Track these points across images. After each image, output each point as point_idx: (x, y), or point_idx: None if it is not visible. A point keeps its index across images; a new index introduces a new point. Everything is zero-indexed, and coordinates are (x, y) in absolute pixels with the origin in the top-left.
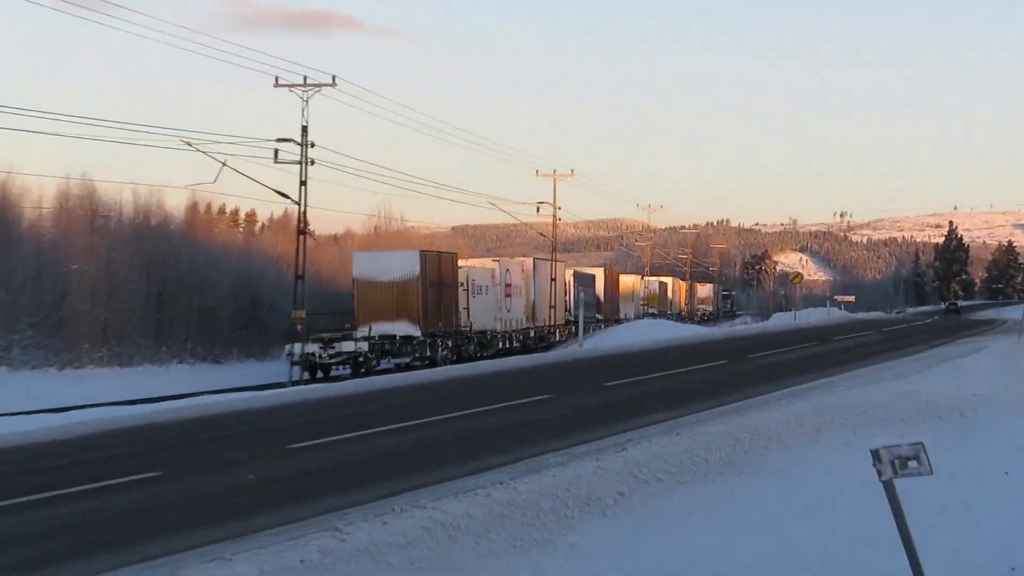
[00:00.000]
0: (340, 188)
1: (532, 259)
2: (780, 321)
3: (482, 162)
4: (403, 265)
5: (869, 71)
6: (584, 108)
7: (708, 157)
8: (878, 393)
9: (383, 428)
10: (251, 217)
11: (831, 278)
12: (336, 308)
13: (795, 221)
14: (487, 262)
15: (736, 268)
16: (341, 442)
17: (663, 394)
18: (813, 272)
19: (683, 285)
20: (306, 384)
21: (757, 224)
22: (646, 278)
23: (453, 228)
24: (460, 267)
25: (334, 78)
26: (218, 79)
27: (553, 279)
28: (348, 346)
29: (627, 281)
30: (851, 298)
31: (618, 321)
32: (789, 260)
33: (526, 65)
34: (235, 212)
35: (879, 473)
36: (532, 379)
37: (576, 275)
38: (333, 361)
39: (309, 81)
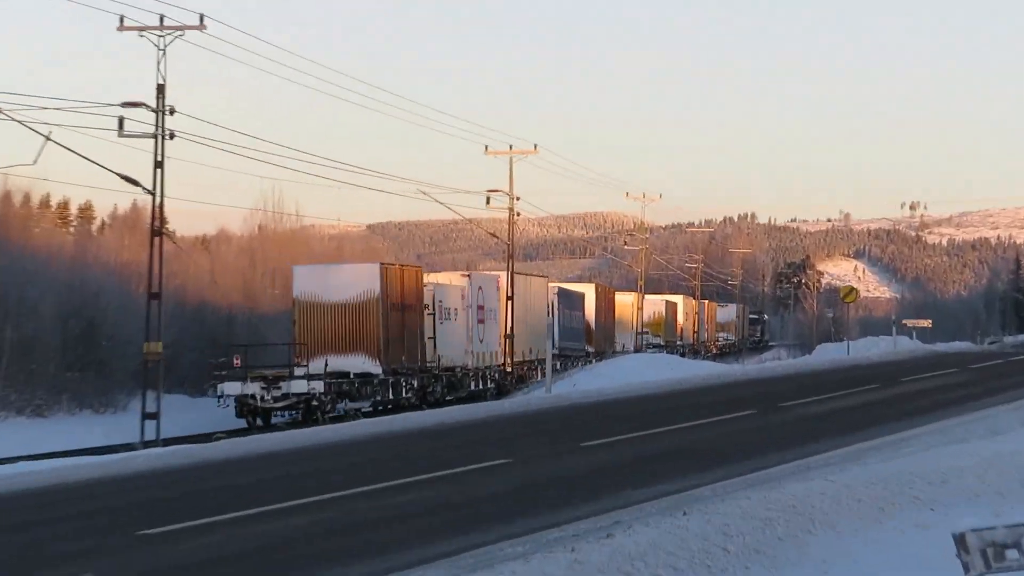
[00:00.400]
0: (211, 172)
1: (509, 273)
2: (827, 356)
3: (412, 137)
4: (359, 282)
5: (950, 15)
6: (553, 64)
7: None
8: (965, 455)
9: (275, 506)
10: (86, 212)
11: (898, 295)
12: (216, 338)
13: (847, 216)
14: (455, 277)
15: (766, 281)
16: (210, 528)
17: (665, 457)
18: (873, 286)
19: (695, 306)
20: (183, 444)
21: (794, 220)
22: (649, 297)
23: (369, 227)
24: (425, 284)
25: (202, 18)
26: (40, 20)
27: (508, 299)
28: (299, 386)
29: (625, 302)
30: (926, 323)
31: (614, 354)
32: (839, 270)
33: (472, 5)
34: (64, 205)
35: (966, 568)
36: (486, 436)
37: (560, 294)
38: (279, 406)
39: (168, 22)
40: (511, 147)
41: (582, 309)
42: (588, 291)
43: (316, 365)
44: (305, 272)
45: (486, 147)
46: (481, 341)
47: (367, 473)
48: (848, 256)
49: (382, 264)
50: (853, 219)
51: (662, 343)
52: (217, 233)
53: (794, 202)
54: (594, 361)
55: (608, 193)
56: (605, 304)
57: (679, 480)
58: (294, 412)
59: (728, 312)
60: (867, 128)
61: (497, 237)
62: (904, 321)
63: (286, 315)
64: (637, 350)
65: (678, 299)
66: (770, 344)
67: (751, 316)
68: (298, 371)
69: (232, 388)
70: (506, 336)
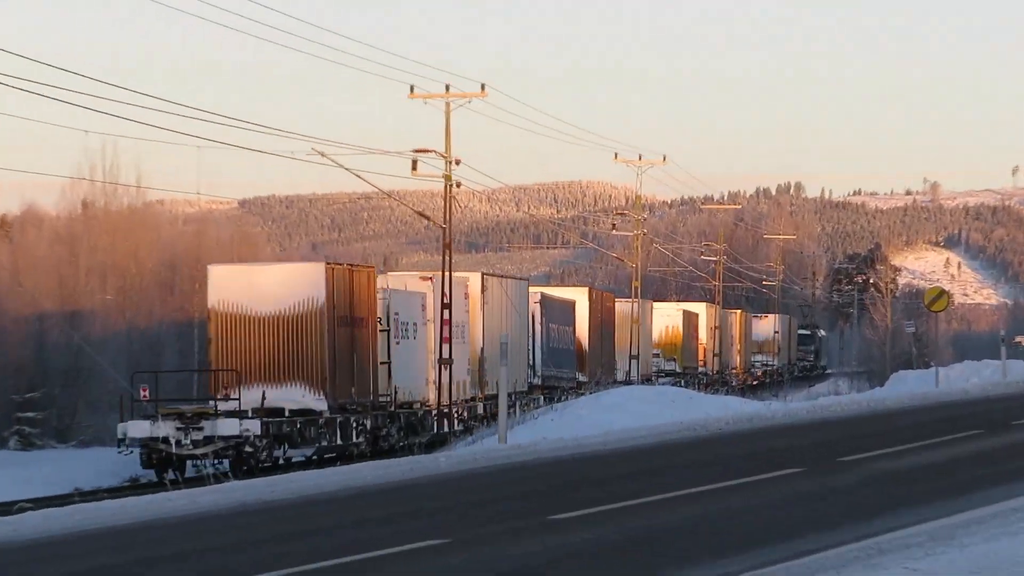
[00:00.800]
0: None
1: (481, 275)
2: (907, 388)
3: (306, 77)
4: (297, 288)
5: None
6: None
7: (755, 67)
8: None
9: None
10: None
11: (1008, 300)
12: (21, 365)
13: (934, 187)
14: (413, 281)
15: (818, 281)
16: None
17: (667, 538)
18: (972, 288)
19: (719, 317)
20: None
21: (858, 193)
22: (659, 306)
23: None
24: (376, 291)
25: None
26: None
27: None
28: (228, 427)
29: (626, 312)
30: None
31: (613, 384)
32: (924, 264)
33: None
34: None
35: None
36: (417, 507)
37: (544, 303)
38: (199, 452)
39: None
40: (448, 88)
41: (572, 324)
42: (580, 299)
43: (249, 398)
44: (224, 274)
45: (411, 88)
46: (448, 368)
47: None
48: (936, 245)
49: (328, 264)
50: (943, 192)
51: (678, 369)
52: (24, 212)
53: (857, 168)
54: (583, 394)
55: (589, 155)
56: (602, 316)
57: (690, 572)
58: (219, 461)
59: (767, 326)
60: (957, 73)
61: (427, 218)
62: (1018, 338)
63: (151, 333)
64: (645, 380)
65: (700, 308)
66: (826, 371)
67: (801, 332)
68: (224, 406)
69: (138, 429)
70: (440, 361)
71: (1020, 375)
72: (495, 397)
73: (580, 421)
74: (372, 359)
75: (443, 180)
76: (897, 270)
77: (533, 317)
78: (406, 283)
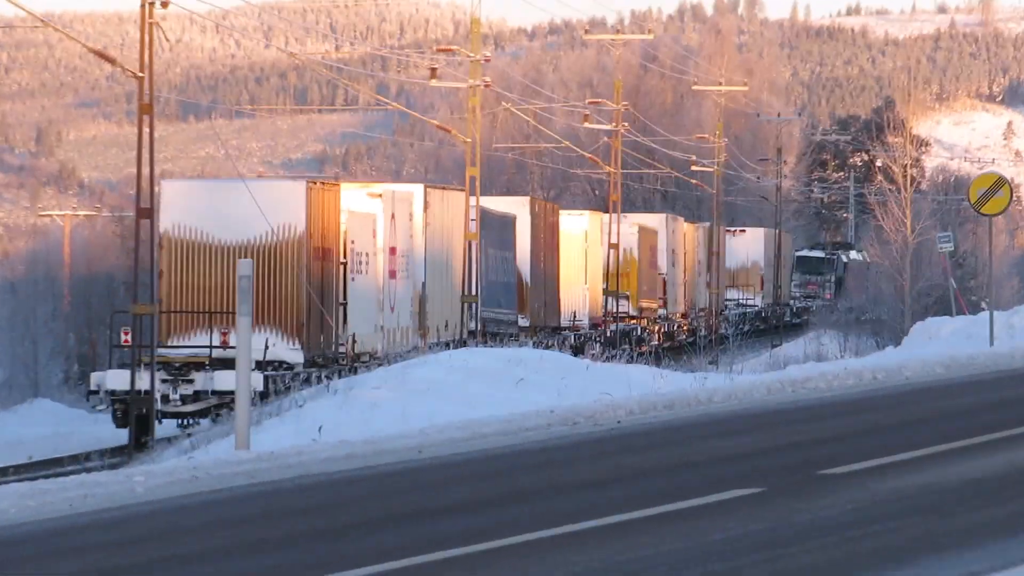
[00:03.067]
0: None
1: (424, 188)
2: (939, 348)
3: None
4: (271, 211)
5: None
6: None
7: None
8: None
9: None
10: None
11: None
12: None
13: (985, 1)
14: (360, 198)
15: (788, 164)
16: None
17: None
18: None
19: (681, 236)
20: None
21: (855, 10)
22: (610, 218)
23: None
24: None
25: None
26: None
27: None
28: (226, 381)
29: (573, 232)
30: None
31: (558, 331)
32: (967, 132)
33: None
34: None
35: None
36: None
37: (484, 220)
38: (187, 410)
39: None
40: None
41: (513, 248)
42: (520, 213)
43: (261, 342)
44: (181, 190)
45: None
46: (392, 310)
47: None
48: (990, 100)
49: (308, 182)
50: (1001, 9)
51: (633, 311)
52: None
53: None
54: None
55: None
56: (545, 237)
57: None
58: (198, 420)
59: (748, 244)
60: None
61: (110, 60)
62: None
63: None
64: (594, 326)
65: (657, 221)
66: (860, 317)
67: (807, 254)
68: (222, 353)
69: (116, 380)
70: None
71: None
72: (441, 346)
73: (376, 411)
74: (334, 300)
75: None
76: (923, 143)
77: (468, 242)
78: (357, 201)
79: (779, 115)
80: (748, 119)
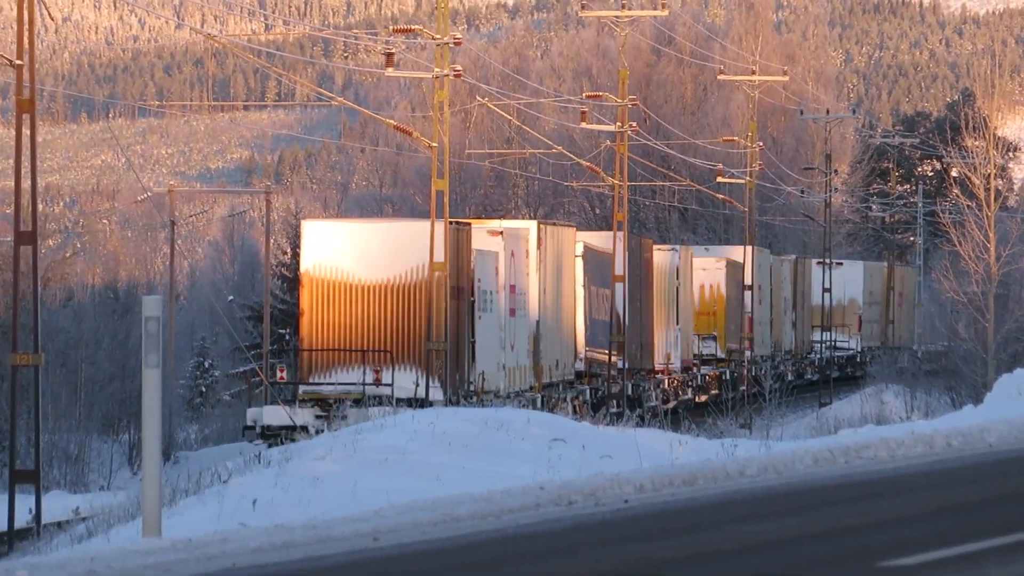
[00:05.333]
0: None
1: (537, 225)
2: None
3: None
4: (410, 250)
5: None
6: None
7: None
8: None
9: None
10: None
11: None
12: None
13: None
14: (482, 236)
15: (840, 172)
16: None
17: None
18: None
19: (781, 269)
20: None
21: None
22: (700, 257)
23: None
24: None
25: None
26: None
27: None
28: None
29: (664, 266)
30: None
31: (651, 374)
32: None
33: None
34: None
35: None
36: None
37: (587, 257)
38: None
39: None
40: None
41: (611, 285)
42: (618, 247)
43: (404, 379)
44: (321, 230)
45: None
46: (512, 348)
47: None
48: None
49: (450, 223)
50: None
51: (720, 354)
52: None
53: None
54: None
55: None
56: (641, 274)
57: None
58: None
59: (845, 278)
60: None
61: None
62: None
63: None
64: (686, 369)
65: (743, 253)
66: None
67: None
68: (375, 390)
69: (273, 416)
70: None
71: None
72: (553, 387)
73: (320, 487)
74: (467, 338)
75: None
76: (1011, 148)
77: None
78: (482, 235)
79: (828, 112)
80: (789, 117)
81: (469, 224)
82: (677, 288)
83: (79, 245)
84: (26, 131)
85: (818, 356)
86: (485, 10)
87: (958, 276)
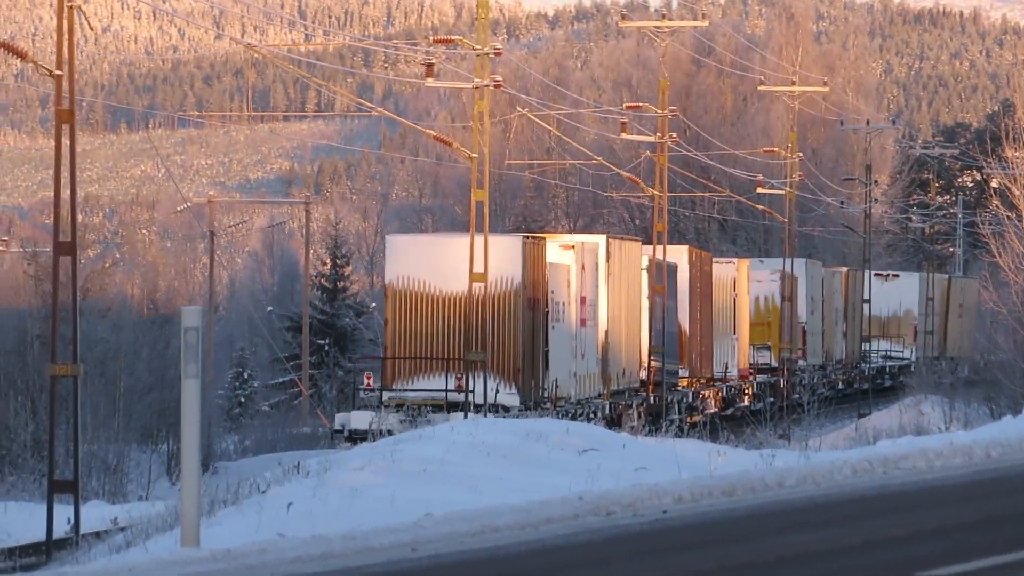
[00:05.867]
0: None
1: (606, 239)
2: None
3: None
4: (490, 262)
5: None
6: None
7: None
8: None
9: None
10: None
11: None
12: None
13: None
14: (554, 250)
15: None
16: None
17: None
18: None
19: (833, 281)
20: None
21: None
22: (753, 267)
23: None
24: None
25: None
26: None
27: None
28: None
29: (722, 278)
30: None
31: (710, 382)
32: None
33: None
34: None
35: None
36: None
37: (652, 270)
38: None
39: None
40: None
41: (675, 297)
42: (680, 262)
43: (489, 386)
44: (404, 244)
45: None
46: (583, 357)
47: None
48: None
49: (524, 237)
50: None
51: (773, 363)
52: None
53: None
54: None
55: None
56: (701, 286)
57: None
58: None
59: (901, 290)
60: None
61: (19, 53)
62: None
63: None
64: (743, 378)
65: (797, 266)
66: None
67: None
68: (456, 396)
69: (361, 420)
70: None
71: None
72: (620, 394)
73: (359, 497)
74: (540, 347)
75: None
76: None
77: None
78: (553, 250)
79: (868, 123)
80: (829, 128)
81: (544, 238)
82: (734, 299)
83: (118, 255)
84: (66, 141)
85: (868, 366)
86: (525, 20)
87: (998, 287)
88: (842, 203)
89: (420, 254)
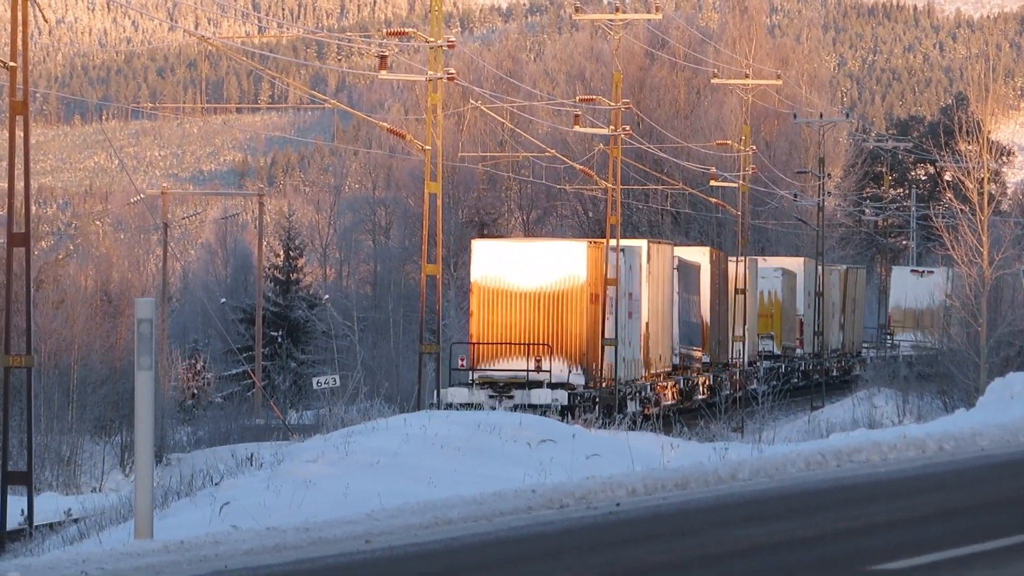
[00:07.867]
0: None
1: (647, 243)
2: (1023, 412)
3: None
4: (560, 264)
5: None
6: None
7: None
8: None
9: None
10: None
11: None
12: None
13: None
14: (602, 250)
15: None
16: None
17: None
18: None
19: (830, 279)
20: None
21: None
22: (761, 262)
23: None
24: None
25: None
26: None
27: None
28: (541, 397)
29: (733, 271)
30: None
31: (725, 367)
32: None
33: None
34: None
35: None
36: None
37: (680, 269)
38: None
39: None
40: None
41: (698, 292)
42: (703, 261)
43: (558, 368)
44: (488, 248)
45: None
46: (629, 345)
47: None
48: None
49: (588, 242)
50: None
51: (776, 351)
52: None
53: None
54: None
55: None
56: (719, 282)
57: None
58: None
59: (936, 286)
60: None
61: None
62: None
63: None
64: (751, 363)
65: (797, 264)
66: (855, 376)
67: None
68: (536, 375)
69: (459, 395)
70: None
71: None
72: (657, 376)
73: (312, 490)
74: (601, 336)
75: None
76: (1005, 152)
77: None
78: (600, 252)
79: (822, 116)
80: (782, 121)
81: (602, 243)
82: (744, 294)
83: (72, 247)
84: (19, 133)
85: (871, 355)
86: (479, 13)
87: (949, 280)
88: (795, 196)
89: (501, 256)
